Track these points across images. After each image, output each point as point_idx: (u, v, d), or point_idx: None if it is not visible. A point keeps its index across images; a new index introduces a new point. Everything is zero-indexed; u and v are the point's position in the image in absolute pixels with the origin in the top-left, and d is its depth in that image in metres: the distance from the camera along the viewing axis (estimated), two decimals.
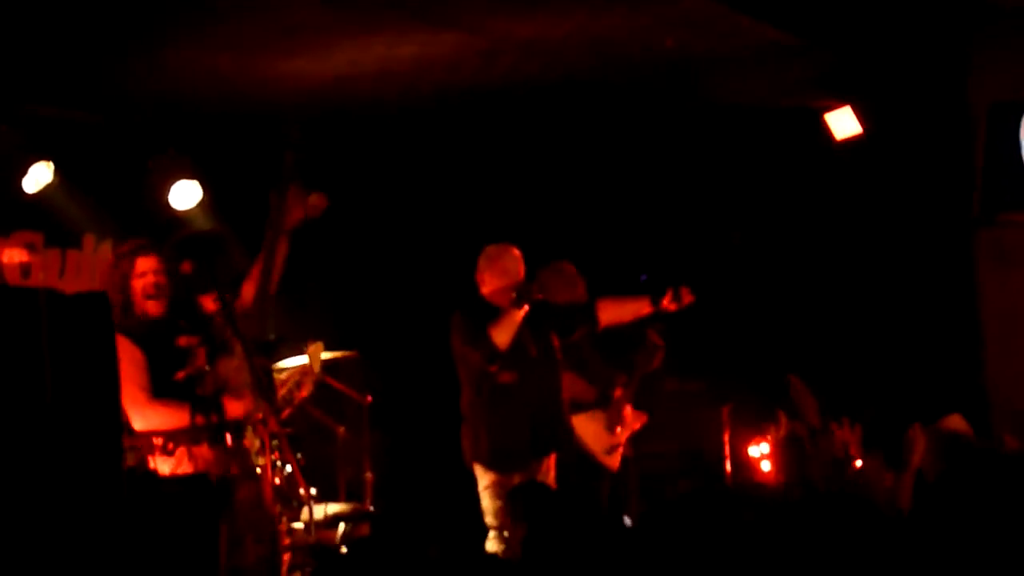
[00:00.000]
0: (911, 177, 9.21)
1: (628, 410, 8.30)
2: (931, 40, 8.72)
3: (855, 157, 9.30)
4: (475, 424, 7.49)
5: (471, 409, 7.52)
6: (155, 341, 5.98)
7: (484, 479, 7.45)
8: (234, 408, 5.91)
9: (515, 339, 7.33)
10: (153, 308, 6.06)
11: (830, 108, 9.27)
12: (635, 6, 7.37)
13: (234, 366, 6.09)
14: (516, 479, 7.29)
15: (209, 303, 6.10)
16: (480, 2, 7.12)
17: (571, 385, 8.06)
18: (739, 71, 8.66)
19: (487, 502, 7.41)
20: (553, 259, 8.21)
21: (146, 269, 6.09)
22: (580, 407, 8.14)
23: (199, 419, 5.80)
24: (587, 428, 8.17)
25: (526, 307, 7.30)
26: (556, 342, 7.68)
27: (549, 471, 7.60)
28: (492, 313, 7.41)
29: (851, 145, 9.25)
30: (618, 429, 8.24)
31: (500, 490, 7.29)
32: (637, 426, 8.35)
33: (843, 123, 9.24)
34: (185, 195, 8.54)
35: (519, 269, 7.54)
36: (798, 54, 8.36)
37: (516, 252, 7.60)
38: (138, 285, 6.08)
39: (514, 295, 7.33)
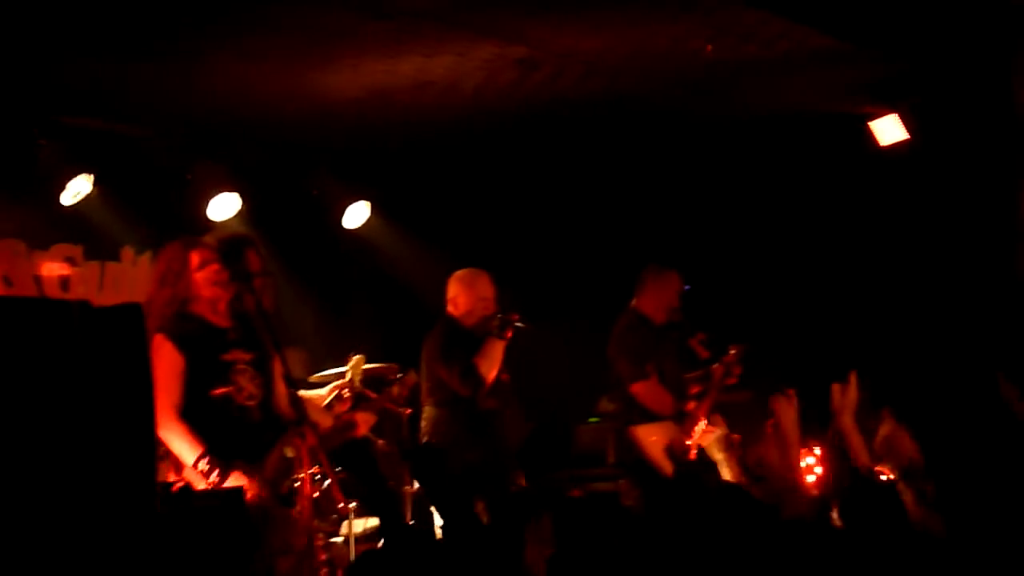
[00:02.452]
0: (956, 185, 9.09)
1: (700, 424, 8.20)
2: (976, 46, 8.60)
3: (900, 164, 9.19)
4: (451, 446, 7.49)
5: (447, 430, 7.55)
6: (201, 349, 5.87)
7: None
8: (239, 480, 5.64)
9: None
10: (220, 298, 5.91)
11: (874, 115, 9.18)
12: (675, 14, 7.29)
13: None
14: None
15: None
16: (519, 11, 7.05)
17: (650, 393, 8.03)
18: (783, 77, 8.56)
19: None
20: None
21: (206, 259, 5.95)
22: (652, 417, 8.08)
23: (202, 469, 5.62)
24: (654, 438, 8.07)
25: (508, 335, 7.49)
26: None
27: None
28: (467, 336, 7.53)
29: (896, 152, 9.15)
30: (687, 442, 8.15)
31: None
32: (707, 440, 8.24)
33: (888, 130, 9.14)
34: (224, 206, 8.55)
35: (493, 294, 7.69)
36: (843, 60, 8.26)
37: (488, 277, 7.76)
38: (201, 277, 5.95)
39: (496, 323, 7.52)
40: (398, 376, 7.26)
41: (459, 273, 7.82)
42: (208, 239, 6.24)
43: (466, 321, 7.66)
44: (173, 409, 5.69)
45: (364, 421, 6.73)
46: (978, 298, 9.03)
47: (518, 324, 7.52)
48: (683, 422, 8.15)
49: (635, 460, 8.08)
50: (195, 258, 5.91)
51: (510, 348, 7.59)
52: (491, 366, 7.50)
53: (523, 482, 7.67)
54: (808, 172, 9.70)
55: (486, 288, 7.71)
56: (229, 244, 6.09)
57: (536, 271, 9.77)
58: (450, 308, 7.74)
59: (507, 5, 6.95)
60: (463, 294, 7.71)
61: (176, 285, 5.86)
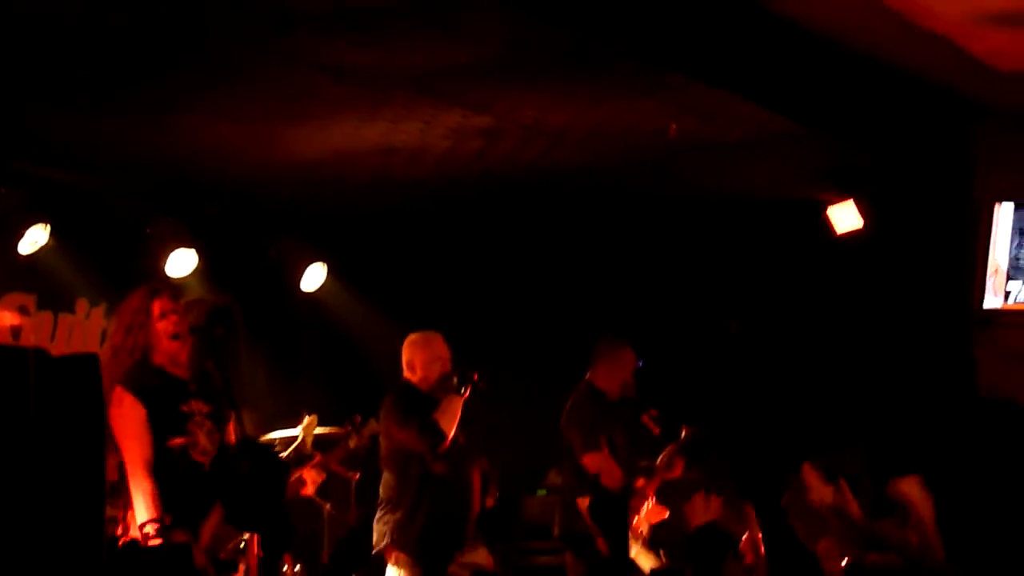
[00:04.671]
0: (912, 272, 9.17)
1: (649, 503, 8.20)
2: (932, 136, 8.72)
3: (856, 251, 9.27)
4: (402, 513, 7.41)
5: (398, 497, 7.44)
6: (161, 399, 5.80)
7: (402, 570, 7.38)
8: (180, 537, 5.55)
9: None
10: (179, 350, 5.86)
11: (832, 201, 9.26)
12: (638, 93, 7.35)
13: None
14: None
15: None
16: (488, 81, 7.10)
17: (601, 465, 8.02)
18: (742, 161, 8.65)
19: None
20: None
21: (166, 310, 5.91)
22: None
23: (146, 532, 5.48)
24: None
25: (467, 394, 7.38)
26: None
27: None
28: (425, 400, 7.44)
29: (852, 239, 9.23)
30: (635, 519, 8.15)
31: None
32: (655, 520, 8.23)
33: (844, 217, 9.22)
34: (182, 262, 8.53)
35: (448, 355, 7.59)
36: (801, 146, 8.35)
37: (442, 337, 7.68)
38: (161, 327, 5.90)
39: (455, 380, 7.41)
40: (357, 423, 7.13)
41: (412, 336, 7.74)
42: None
43: (423, 385, 7.56)
44: (144, 464, 5.61)
45: (312, 480, 6.66)
46: (930, 392, 9.09)
47: (478, 383, 7.43)
48: (630, 498, 8.14)
49: (581, 533, 8.05)
50: (156, 308, 5.88)
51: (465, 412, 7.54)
52: (450, 422, 7.33)
53: (485, 554, 7.56)
54: (764, 256, 9.78)
55: (441, 348, 7.62)
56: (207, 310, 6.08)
57: (492, 341, 9.76)
58: (407, 373, 7.63)
59: (474, 76, 6.99)
60: (418, 356, 7.61)
61: (139, 335, 5.83)
